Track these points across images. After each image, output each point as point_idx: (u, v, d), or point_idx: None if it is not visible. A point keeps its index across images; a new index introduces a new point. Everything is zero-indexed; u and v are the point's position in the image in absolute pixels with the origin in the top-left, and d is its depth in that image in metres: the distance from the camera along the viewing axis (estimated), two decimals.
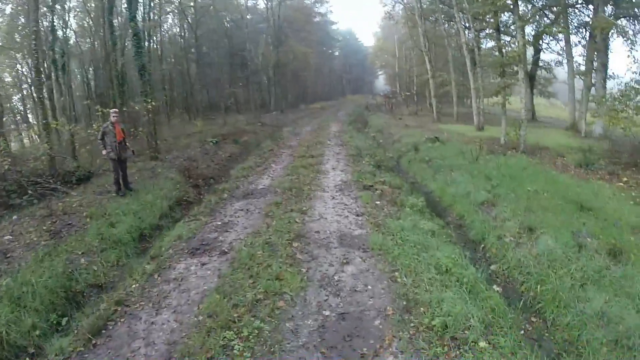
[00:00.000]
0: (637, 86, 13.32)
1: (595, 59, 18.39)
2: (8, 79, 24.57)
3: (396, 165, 13.69)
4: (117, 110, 10.06)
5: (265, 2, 35.99)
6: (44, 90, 14.37)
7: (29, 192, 9.72)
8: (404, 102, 34.60)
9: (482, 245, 7.11)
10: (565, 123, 20.23)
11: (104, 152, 9.65)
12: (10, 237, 7.94)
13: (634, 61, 18.61)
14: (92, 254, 7.24)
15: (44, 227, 8.05)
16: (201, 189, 11.23)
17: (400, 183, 10.56)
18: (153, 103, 14.16)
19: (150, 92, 14.74)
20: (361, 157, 13.35)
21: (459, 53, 25.69)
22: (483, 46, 23.49)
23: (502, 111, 15.56)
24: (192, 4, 28.57)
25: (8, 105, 24.67)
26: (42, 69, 15.41)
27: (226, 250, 6.42)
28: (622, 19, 18.95)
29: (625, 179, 10.23)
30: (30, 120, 24.10)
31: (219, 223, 7.70)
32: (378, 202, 8.56)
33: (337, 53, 71.86)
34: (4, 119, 23.96)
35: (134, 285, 5.75)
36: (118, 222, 8.18)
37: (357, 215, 7.77)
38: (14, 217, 8.93)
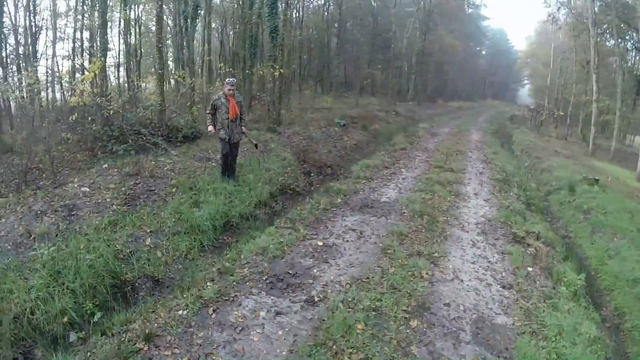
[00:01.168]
0: None
1: None
2: (153, 28, 25.06)
3: (546, 206, 10.51)
4: (233, 80, 7.72)
5: None
6: (165, 39, 13.52)
7: (129, 141, 8.72)
8: (552, 121, 29.53)
9: None
10: None
11: (210, 128, 7.60)
12: (87, 189, 6.85)
13: None
14: (162, 236, 5.88)
15: (124, 188, 6.83)
16: (313, 178, 9.41)
17: (554, 238, 7.66)
18: (281, 70, 12.62)
19: (281, 57, 13.22)
20: (508, 184, 10.48)
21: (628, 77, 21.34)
22: None
23: None
24: None
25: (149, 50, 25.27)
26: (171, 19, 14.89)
27: (316, 299, 4.40)
28: None
29: None
30: (171, 67, 24.40)
31: (320, 244, 5.68)
32: (530, 269, 5.84)
33: (484, 52, 65.71)
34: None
35: (180, 312, 4.08)
36: (204, 202, 6.71)
37: (503, 287, 5.18)
38: (105, 165, 7.95)
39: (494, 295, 4.94)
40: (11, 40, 15.01)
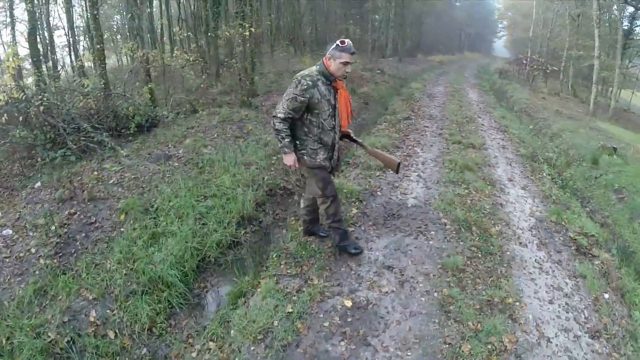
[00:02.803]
0: None
1: None
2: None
3: (572, 184, 8.83)
4: (351, 45, 3.58)
5: None
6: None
7: (68, 142, 6.59)
8: (543, 76, 27.42)
9: None
10: None
11: (289, 161, 3.82)
12: (10, 231, 4.82)
13: None
14: (112, 302, 3.92)
15: (54, 227, 4.76)
16: None
17: (607, 237, 6.25)
18: (252, 29, 10.31)
19: (250, 14, 10.84)
20: (537, 161, 8.86)
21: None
22: None
23: None
24: None
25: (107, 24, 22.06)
26: None
27: None
28: None
29: None
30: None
31: (349, 304, 3.67)
32: (607, 296, 4.42)
33: (458, 3, 62.57)
34: (104, 36, 21.52)
35: None
36: (166, 233, 4.71)
37: (593, 338, 3.62)
38: (37, 183, 5.86)
39: (586, 355, 3.39)
40: None
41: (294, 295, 3.82)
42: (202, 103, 9.80)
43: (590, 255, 5.22)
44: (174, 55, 10.94)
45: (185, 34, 11.61)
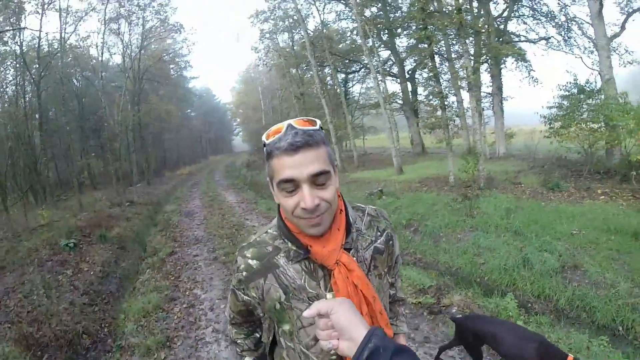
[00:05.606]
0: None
1: (491, 83, 18.64)
2: None
3: None
4: (295, 142, 1.15)
5: (122, 53, 26.66)
6: None
7: None
8: None
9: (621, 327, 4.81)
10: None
11: None
12: None
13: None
14: None
15: None
16: None
17: (435, 277, 6.46)
18: None
19: None
20: None
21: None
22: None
23: (448, 148, 13.01)
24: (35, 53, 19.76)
25: None
26: None
27: None
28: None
29: (599, 191, 9.14)
30: None
31: None
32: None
33: (193, 113, 64.46)
34: None
35: None
36: None
37: None
38: None
39: None
40: None
41: None
42: None
43: (443, 308, 5.24)
44: None
45: None
